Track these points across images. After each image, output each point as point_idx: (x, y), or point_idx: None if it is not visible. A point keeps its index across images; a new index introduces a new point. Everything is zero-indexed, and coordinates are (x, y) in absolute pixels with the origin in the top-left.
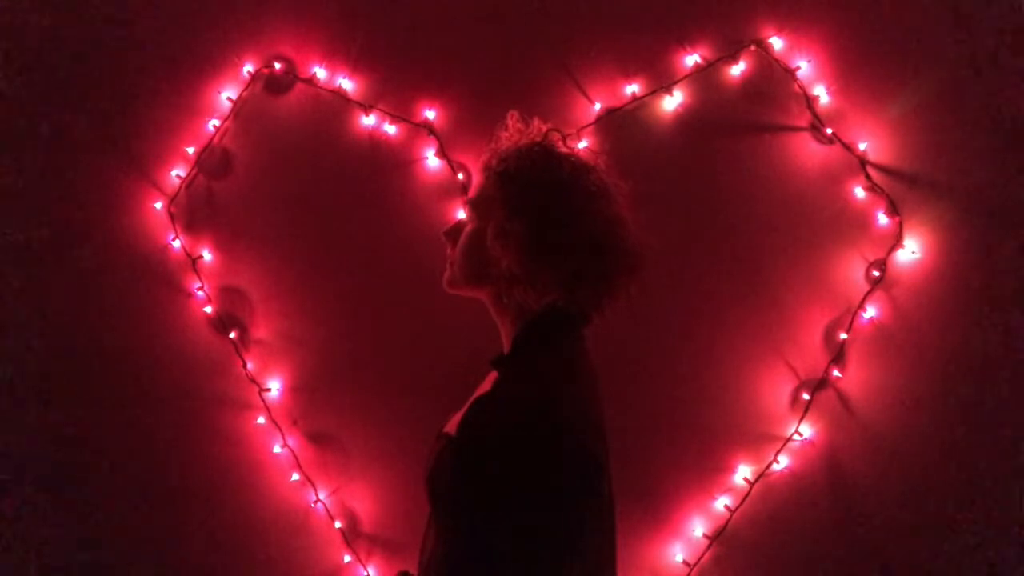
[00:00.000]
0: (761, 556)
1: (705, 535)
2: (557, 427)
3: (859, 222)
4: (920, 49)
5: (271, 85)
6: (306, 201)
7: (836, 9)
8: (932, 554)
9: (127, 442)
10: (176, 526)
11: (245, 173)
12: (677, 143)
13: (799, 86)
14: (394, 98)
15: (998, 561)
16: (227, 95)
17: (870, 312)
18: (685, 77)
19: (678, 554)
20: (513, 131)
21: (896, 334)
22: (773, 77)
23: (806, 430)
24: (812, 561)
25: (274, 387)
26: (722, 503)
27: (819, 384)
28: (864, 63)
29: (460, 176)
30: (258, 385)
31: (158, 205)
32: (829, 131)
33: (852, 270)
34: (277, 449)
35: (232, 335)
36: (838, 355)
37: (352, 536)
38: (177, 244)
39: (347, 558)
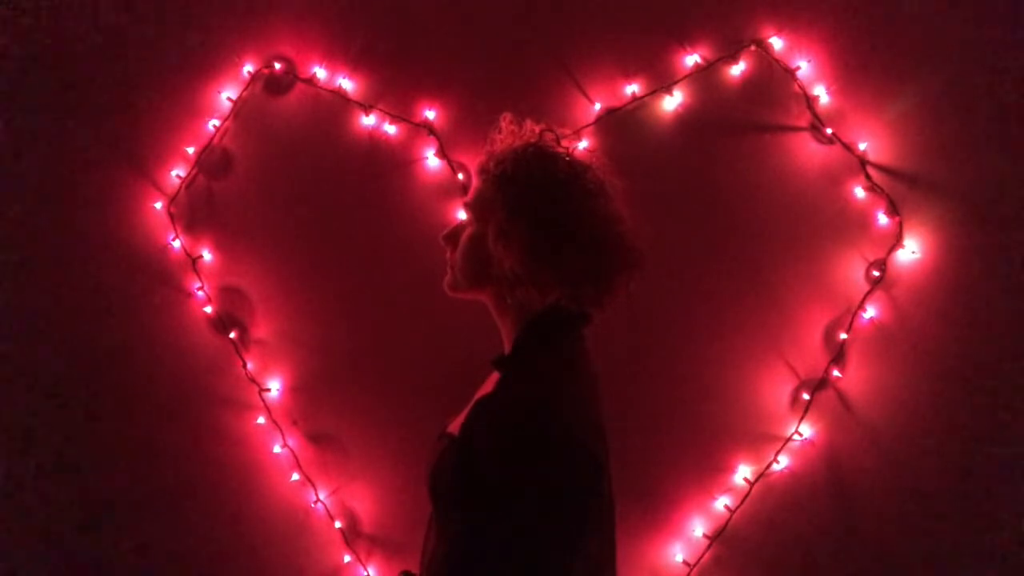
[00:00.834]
0: (761, 556)
1: (705, 535)
2: (558, 427)
3: (859, 222)
4: (920, 49)
5: (271, 85)
6: (306, 201)
7: (836, 9)
8: (932, 554)
9: (127, 442)
10: (176, 526)
11: (245, 173)
12: (677, 143)
13: (799, 86)
14: (394, 98)
15: (998, 561)
16: (227, 95)
17: (870, 312)
18: (685, 77)
19: (678, 554)
20: (507, 133)
21: (896, 334)
22: (773, 77)
23: (806, 430)
24: (812, 561)
25: (274, 387)
26: (722, 503)
27: (819, 384)
28: (864, 63)
29: (460, 176)
30: (258, 385)
31: (158, 205)
32: (829, 131)
33: (852, 270)
34: (277, 449)
35: (232, 335)
36: (838, 355)
37: (352, 536)
38: (177, 244)
39: (347, 558)
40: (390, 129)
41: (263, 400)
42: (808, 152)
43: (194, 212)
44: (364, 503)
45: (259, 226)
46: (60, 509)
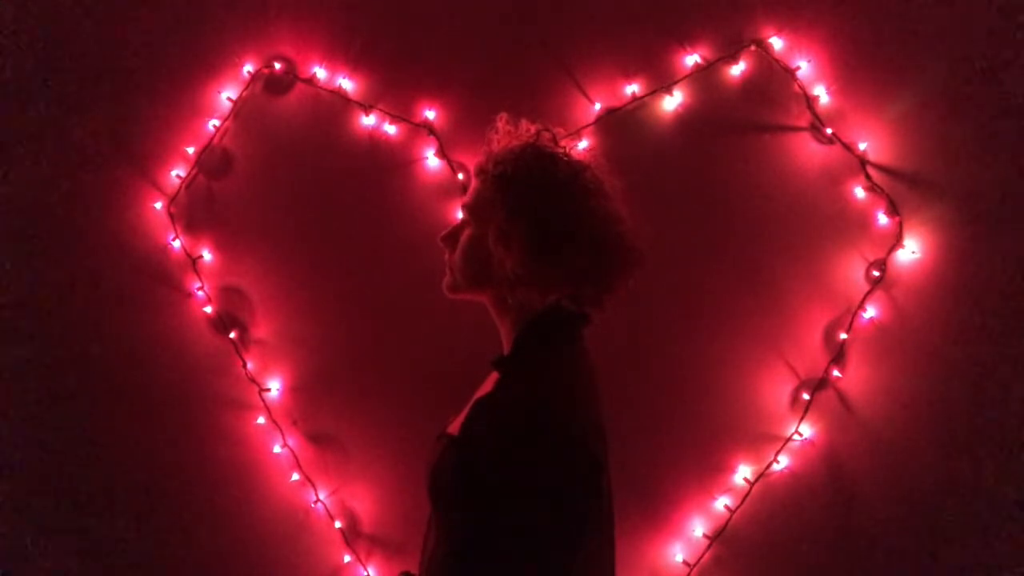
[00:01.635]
0: (761, 556)
1: (705, 535)
2: (557, 427)
3: (859, 222)
4: (920, 49)
5: (271, 85)
6: (306, 201)
7: (836, 9)
8: (932, 554)
9: (127, 442)
10: (176, 526)
11: (245, 173)
12: (677, 143)
13: (799, 86)
14: (394, 98)
15: (998, 561)
16: (227, 95)
17: (870, 312)
18: (685, 77)
19: (678, 554)
20: (504, 133)
21: (896, 334)
22: (773, 77)
23: (806, 430)
24: (812, 561)
25: (274, 387)
26: (722, 503)
27: (819, 384)
28: (864, 63)
29: (460, 176)
30: (258, 385)
31: (158, 205)
32: (829, 131)
33: (852, 270)
34: (277, 449)
35: (232, 335)
36: (838, 355)
37: (352, 536)
38: (177, 244)
39: (347, 558)
40: (390, 129)
41: (263, 400)
42: (808, 152)
43: (194, 212)
44: (364, 503)
45: (259, 226)
46: (60, 509)
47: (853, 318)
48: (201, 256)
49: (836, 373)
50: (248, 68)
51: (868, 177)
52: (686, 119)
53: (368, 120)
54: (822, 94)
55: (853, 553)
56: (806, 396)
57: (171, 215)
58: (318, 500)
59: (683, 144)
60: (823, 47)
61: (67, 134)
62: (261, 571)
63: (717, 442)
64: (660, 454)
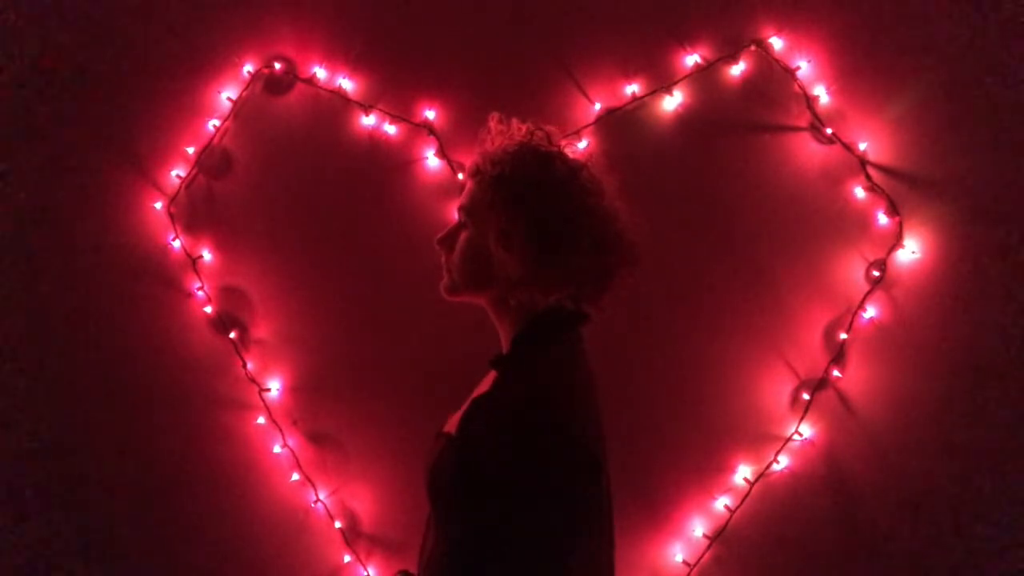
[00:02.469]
0: (761, 556)
1: (705, 535)
2: (555, 426)
3: (859, 222)
4: (920, 49)
5: (271, 85)
6: (306, 201)
7: (836, 9)
8: (932, 554)
9: (127, 442)
10: (176, 526)
11: (245, 173)
12: (677, 143)
13: (799, 86)
14: (394, 98)
15: (998, 560)
16: (227, 95)
17: (870, 312)
18: (685, 77)
19: (678, 554)
20: (496, 133)
21: (896, 334)
22: (773, 77)
23: (806, 430)
24: (812, 561)
25: (274, 387)
26: (722, 503)
27: (819, 384)
28: (864, 63)
29: (460, 176)
30: (258, 385)
31: (158, 205)
32: (829, 131)
33: (852, 270)
34: (277, 449)
35: (232, 335)
36: (838, 355)
37: (352, 536)
38: (177, 244)
39: (347, 558)
40: (390, 129)
41: (263, 400)
42: (808, 152)
43: (194, 212)
44: (364, 503)
45: (259, 226)
46: (59, 509)
47: (853, 318)
48: (201, 256)
49: (836, 373)
50: (248, 68)
51: (868, 177)
52: (686, 119)
53: (368, 120)
54: (822, 94)
55: (853, 553)
56: (806, 396)
57: (171, 215)
58: (318, 500)
59: (683, 144)
60: (823, 47)
61: (67, 134)
62: (261, 571)
63: (717, 442)
64: (660, 454)
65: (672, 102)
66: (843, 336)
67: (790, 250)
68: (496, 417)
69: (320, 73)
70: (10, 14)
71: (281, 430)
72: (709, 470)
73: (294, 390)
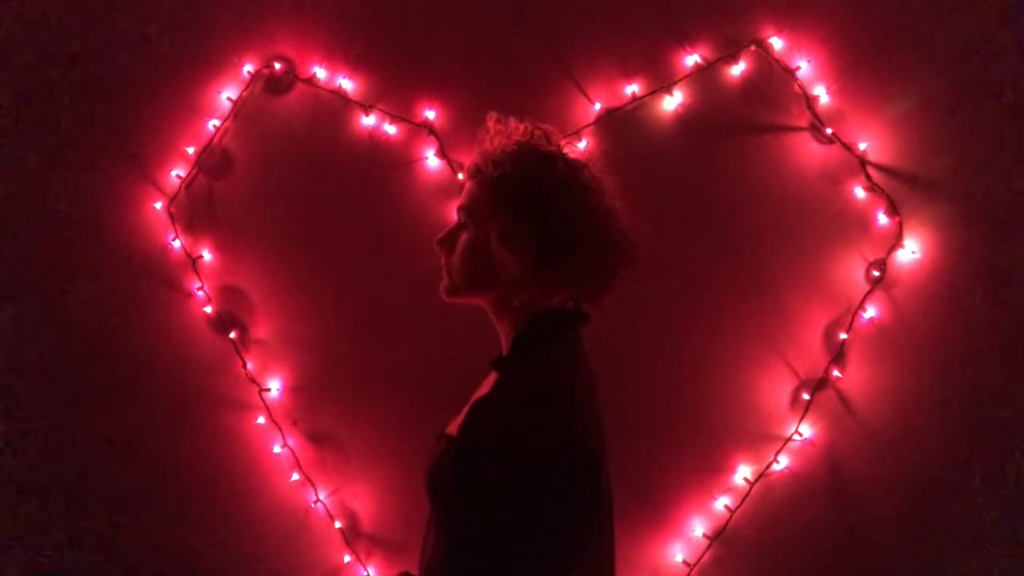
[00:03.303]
0: (761, 556)
1: (705, 535)
2: (556, 427)
3: (859, 222)
4: (920, 49)
5: (271, 85)
6: (306, 201)
7: (836, 9)
8: (932, 554)
9: (127, 442)
10: (176, 526)
11: (245, 173)
12: (677, 143)
13: (799, 86)
14: (394, 98)
15: (998, 561)
16: (227, 95)
17: (870, 312)
18: (685, 77)
19: (678, 554)
20: (495, 133)
21: (896, 334)
22: (773, 77)
23: (806, 430)
24: (812, 561)
25: (274, 387)
26: (722, 503)
27: (819, 384)
28: (864, 63)
29: (460, 176)
30: (258, 385)
31: (158, 205)
32: (829, 131)
33: (852, 270)
34: (277, 449)
35: (232, 335)
36: (838, 355)
37: (352, 536)
38: (177, 244)
39: (347, 558)
40: (390, 129)
41: (263, 400)
42: (808, 152)
43: (194, 212)
44: (364, 503)
45: (259, 226)
46: (59, 508)
47: (853, 318)
48: (201, 256)
49: (836, 373)
50: (248, 68)
51: (868, 177)
52: (686, 119)
53: (368, 120)
54: (822, 94)
55: (853, 553)
56: (806, 396)
57: (171, 215)
58: (318, 500)
59: (683, 144)
60: (823, 47)
61: (67, 134)
62: (261, 571)
63: (717, 442)
64: (660, 454)
65: (672, 102)
66: (843, 336)
67: (790, 250)
68: (496, 418)
69: (320, 73)
70: (10, 14)
71: (281, 430)
72: (709, 470)
73: (294, 390)
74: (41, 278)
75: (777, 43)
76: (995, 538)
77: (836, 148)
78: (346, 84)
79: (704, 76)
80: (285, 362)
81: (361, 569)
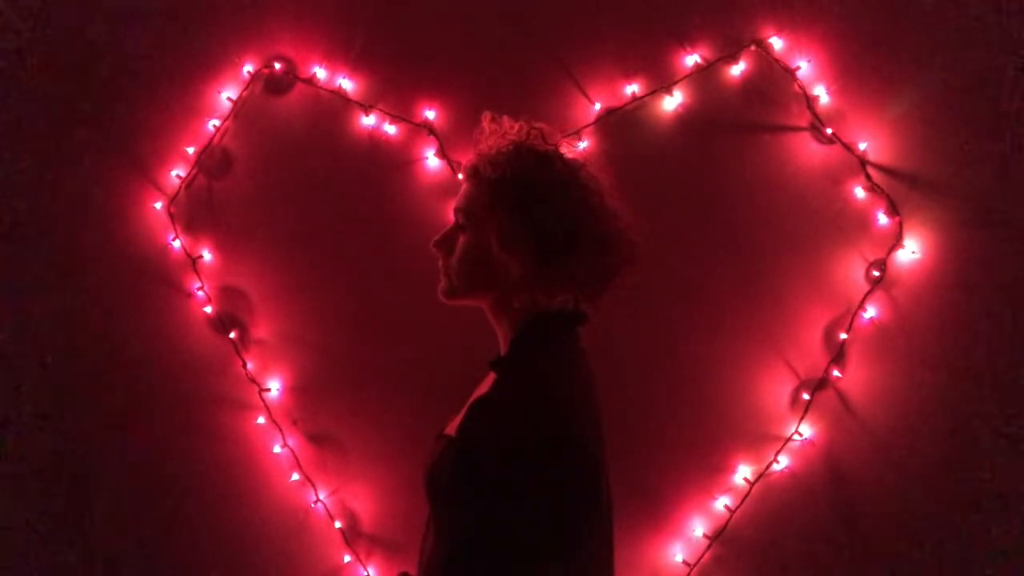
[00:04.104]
0: (761, 556)
1: (705, 535)
2: (555, 426)
3: (859, 222)
4: (920, 49)
5: (271, 85)
6: (306, 201)
7: (836, 9)
8: (933, 554)
9: (127, 442)
10: (176, 526)
11: (245, 173)
12: (677, 143)
13: (799, 86)
14: (394, 98)
15: (998, 561)
16: (227, 95)
17: (870, 312)
18: (685, 77)
19: (678, 554)
20: (490, 133)
21: (896, 334)
22: (773, 77)
23: (806, 430)
24: (812, 561)
25: (274, 387)
26: (722, 503)
27: (819, 384)
28: (864, 63)
29: (460, 176)
30: (258, 385)
31: (158, 205)
32: (829, 131)
33: (852, 270)
34: (277, 449)
35: (232, 335)
36: (838, 355)
37: (352, 536)
38: (177, 244)
39: (347, 558)
40: (390, 129)
41: (263, 400)
42: (808, 152)
43: (194, 212)
44: (364, 503)
45: (259, 226)
46: (59, 508)
47: (853, 318)
48: (201, 256)
49: (836, 373)
50: (248, 68)
51: (868, 177)
52: (686, 119)
53: (368, 120)
54: (822, 94)
55: (853, 553)
56: (806, 396)
57: (171, 215)
58: (318, 500)
59: (683, 144)
60: (823, 47)
61: (67, 134)
62: (261, 571)
63: (717, 442)
64: (660, 454)
65: (672, 102)
66: (843, 336)
67: (790, 250)
68: (495, 418)
69: (320, 73)
70: (9, 14)
71: (281, 430)
72: (709, 470)
73: (294, 390)
74: (41, 278)
75: (777, 43)
76: (995, 538)
77: (836, 148)
78: (346, 84)
79: (704, 76)
80: (285, 362)
81: (361, 569)
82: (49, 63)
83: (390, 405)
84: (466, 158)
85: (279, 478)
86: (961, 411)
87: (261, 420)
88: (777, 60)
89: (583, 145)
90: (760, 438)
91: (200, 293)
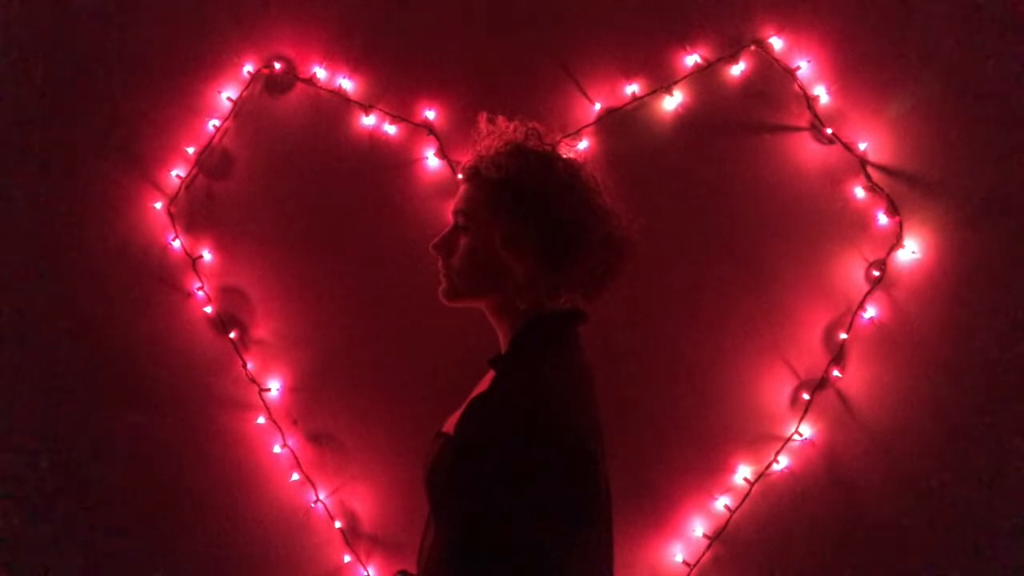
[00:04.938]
0: (761, 556)
1: (705, 535)
2: (553, 424)
3: (859, 222)
4: (920, 48)
5: (271, 85)
6: (306, 201)
7: (836, 9)
8: (933, 554)
9: (127, 442)
10: (176, 526)
11: (245, 173)
12: (677, 143)
13: (799, 86)
14: (394, 98)
15: (999, 561)
16: (227, 95)
17: (870, 312)
18: (685, 77)
19: (678, 554)
20: (487, 133)
21: (896, 334)
22: (773, 77)
23: (806, 430)
24: (812, 561)
25: (274, 387)
26: (722, 503)
27: (819, 384)
28: (864, 63)
29: (460, 176)
30: (258, 385)
31: (158, 205)
32: (829, 131)
33: (852, 270)
34: (277, 449)
35: (232, 335)
36: (838, 355)
37: (352, 536)
38: (177, 244)
39: (347, 558)
40: (390, 129)
41: (263, 400)
42: (808, 152)
43: (194, 212)
44: (364, 503)
45: (259, 226)
46: (59, 508)
47: (853, 318)
48: (201, 256)
49: (836, 373)
50: (248, 68)
51: (868, 177)
52: (686, 119)
53: (368, 120)
54: (822, 94)
55: (853, 553)
56: (806, 396)
57: (171, 215)
58: (318, 500)
59: (683, 144)
60: (823, 47)
61: (67, 134)
62: (261, 571)
63: (717, 442)
64: (660, 454)
65: (672, 102)
66: (843, 336)
67: (790, 250)
68: (494, 416)
69: (320, 73)
70: (9, 14)
71: (281, 430)
72: (709, 470)
73: (294, 390)
74: (41, 278)
75: (777, 43)
76: (995, 538)
77: (836, 148)
78: (346, 84)
79: (704, 76)
80: (285, 362)
81: (361, 569)
82: (49, 63)
83: (390, 405)
84: (466, 158)
85: (279, 478)
86: (960, 410)
87: (261, 420)
88: (777, 60)
89: (583, 145)
90: (760, 438)
91: (200, 293)
